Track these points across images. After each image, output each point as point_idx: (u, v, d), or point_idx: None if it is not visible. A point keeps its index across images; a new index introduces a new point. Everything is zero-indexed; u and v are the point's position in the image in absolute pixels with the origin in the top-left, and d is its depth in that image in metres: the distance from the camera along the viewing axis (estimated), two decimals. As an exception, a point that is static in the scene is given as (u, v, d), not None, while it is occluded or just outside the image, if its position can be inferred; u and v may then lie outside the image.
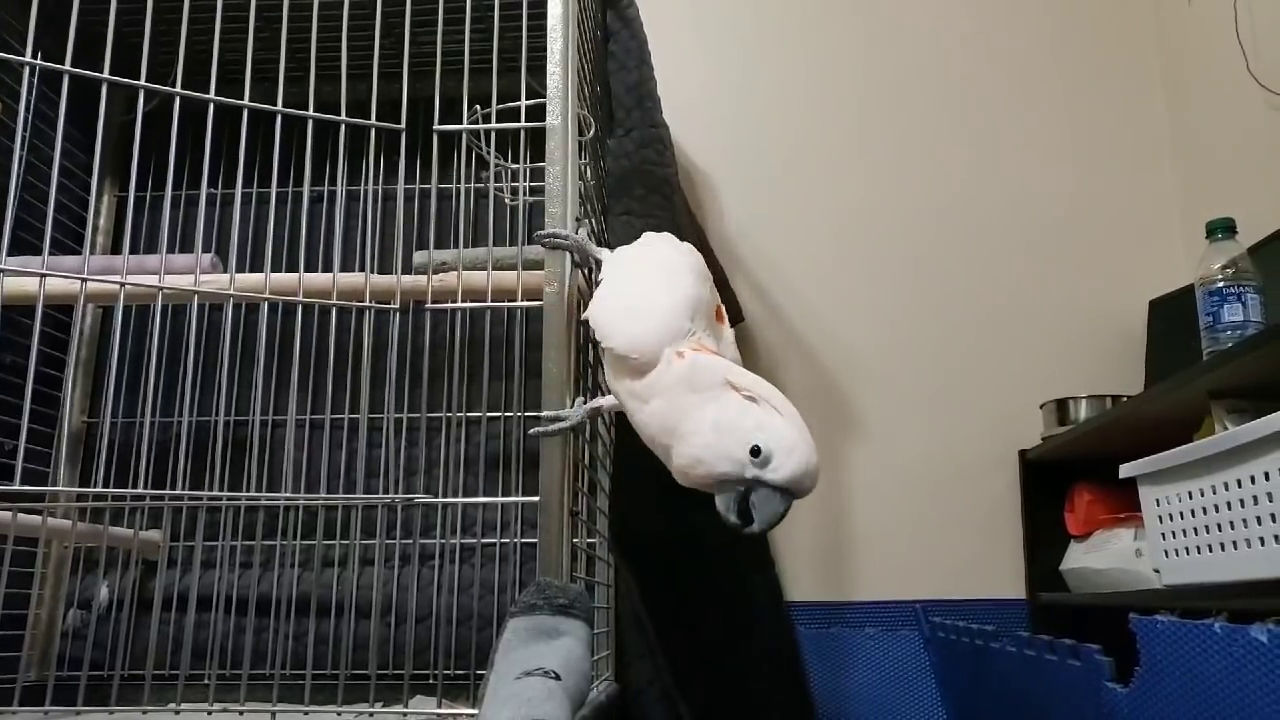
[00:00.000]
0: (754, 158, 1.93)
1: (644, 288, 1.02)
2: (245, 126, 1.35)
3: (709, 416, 0.90)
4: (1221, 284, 1.23)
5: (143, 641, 1.59)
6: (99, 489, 1.49)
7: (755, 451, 0.86)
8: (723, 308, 1.10)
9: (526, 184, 1.63)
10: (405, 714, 1.34)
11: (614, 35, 1.57)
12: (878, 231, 1.87)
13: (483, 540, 1.65)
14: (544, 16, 1.20)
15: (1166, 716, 0.95)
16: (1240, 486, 1.01)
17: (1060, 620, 1.60)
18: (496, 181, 1.67)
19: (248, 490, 1.48)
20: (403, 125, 1.37)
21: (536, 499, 1.05)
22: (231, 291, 1.40)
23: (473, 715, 1.22)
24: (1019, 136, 1.90)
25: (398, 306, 1.43)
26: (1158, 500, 1.19)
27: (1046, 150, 1.89)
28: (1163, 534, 1.18)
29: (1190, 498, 1.11)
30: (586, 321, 1.03)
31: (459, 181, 1.71)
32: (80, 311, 1.71)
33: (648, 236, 1.14)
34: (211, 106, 1.34)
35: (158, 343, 1.37)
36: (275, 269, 1.44)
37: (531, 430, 1.06)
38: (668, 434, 0.92)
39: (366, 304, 1.38)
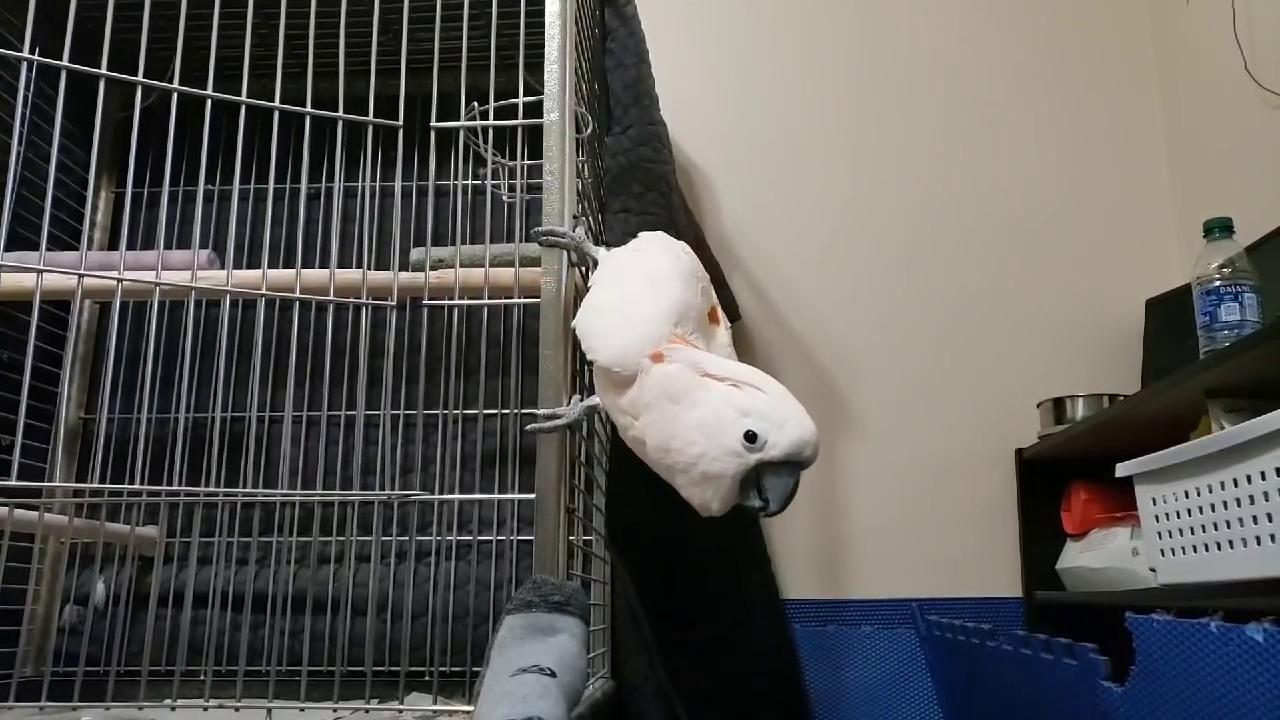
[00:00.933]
0: (752, 156, 1.93)
1: (628, 298, 1.02)
2: (243, 123, 1.35)
3: (694, 422, 0.89)
4: (1219, 283, 1.23)
5: (139, 637, 1.59)
6: (96, 485, 1.49)
7: (750, 437, 0.87)
8: (718, 309, 1.10)
9: (524, 181, 1.63)
10: (401, 711, 1.34)
11: (612, 33, 1.57)
12: (875, 230, 1.87)
13: (479, 537, 1.65)
14: (542, 13, 1.19)
15: (1162, 715, 0.95)
16: (1237, 486, 1.01)
17: (1056, 619, 1.60)
18: (494, 178, 1.67)
19: (244, 486, 1.48)
20: (400, 122, 1.37)
21: (533, 496, 1.05)
22: (229, 288, 1.40)
23: (468, 712, 1.22)
24: (1016, 135, 1.90)
25: (395, 303, 1.43)
26: (1154, 499, 1.19)
27: (1043, 149, 1.89)
28: (1159, 533, 1.18)
29: (1187, 497, 1.11)
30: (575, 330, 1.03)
31: (456, 178, 1.71)
32: (77, 307, 1.71)
33: (642, 237, 1.13)
34: (209, 102, 1.34)
35: (155, 339, 1.37)
36: (273, 265, 1.44)
37: (528, 427, 1.06)
38: (663, 452, 0.92)
39: (364, 300, 1.38)
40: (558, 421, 1.05)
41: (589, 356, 0.99)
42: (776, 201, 1.90)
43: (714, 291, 1.12)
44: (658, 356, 0.93)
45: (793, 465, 0.88)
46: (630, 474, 1.36)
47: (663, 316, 0.98)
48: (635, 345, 0.95)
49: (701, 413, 0.89)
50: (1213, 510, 1.06)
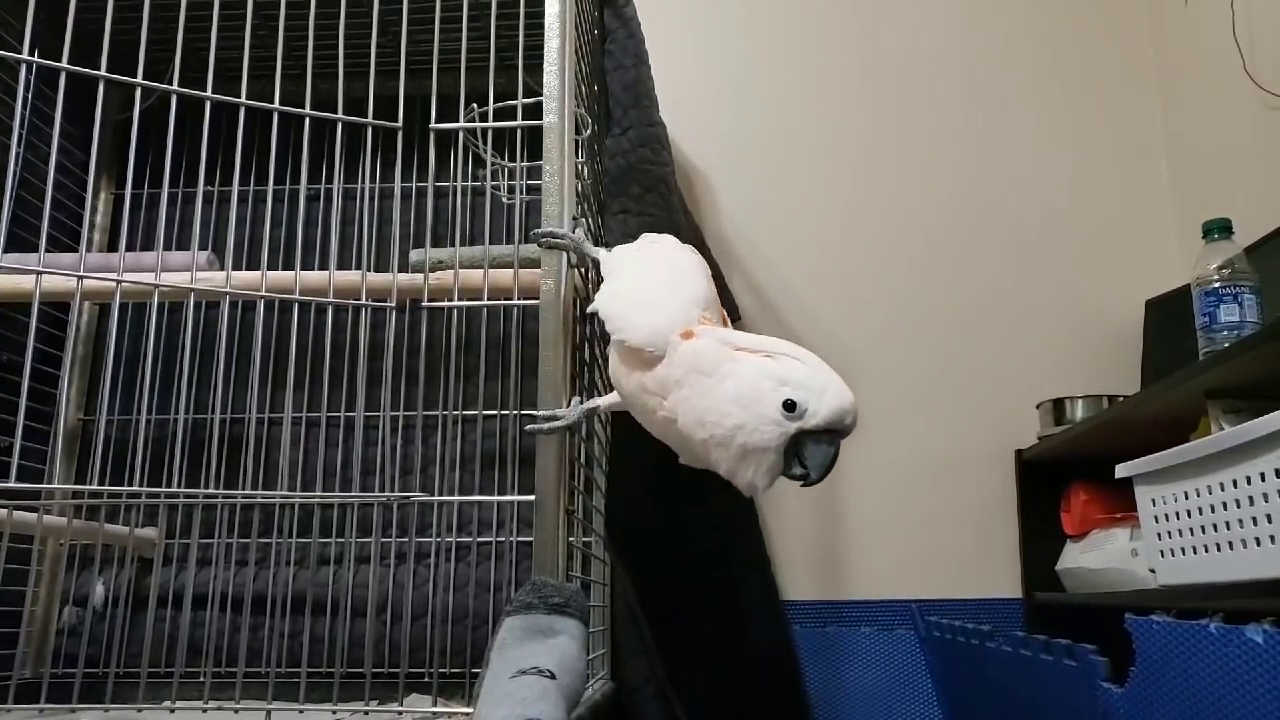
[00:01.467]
0: (751, 157, 1.93)
1: (657, 282, 1.02)
2: (242, 124, 1.35)
3: (729, 394, 0.87)
4: (1218, 284, 1.23)
5: (138, 639, 1.59)
6: (95, 486, 1.49)
7: (789, 406, 0.85)
8: (724, 311, 1.10)
9: (523, 182, 1.63)
10: (401, 712, 1.34)
11: (611, 34, 1.57)
12: (875, 230, 1.87)
13: (478, 539, 1.65)
14: (541, 15, 1.19)
15: (1162, 716, 0.95)
16: (1236, 487, 1.01)
17: (1056, 620, 1.60)
18: (493, 180, 1.67)
19: (243, 488, 1.48)
20: (399, 123, 1.37)
21: (532, 498, 1.05)
22: (228, 289, 1.40)
23: (468, 714, 1.22)
24: (1015, 136, 1.90)
25: (394, 305, 1.43)
26: (1154, 500, 1.19)
27: (1043, 150, 1.89)
28: (1159, 534, 1.18)
29: (1186, 498, 1.11)
30: (592, 315, 1.02)
31: (456, 180, 1.70)
32: (76, 309, 1.71)
33: (651, 237, 1.14)
34: (208, 104, 1.34)
35: (154, 340, 1.37)
36: (272, 267, 1.44)
37: (527, 428, 1.06)
38: (698, 426, 0.90)
39: (363, 302, 1.37)
40: (557, 424, 1.05)
41: (618, 336, 0.97)
42: (776, 202, 1.90)
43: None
44: (688, 334, 0.93)
45: (834, 434, 0.88)
46: (630, 475, 1.36)
47: (691, 301, 0.98)
48: (667, 325, 0.94)
49: (736, 384, 0.87)
50: (1212, 511, 1.06)
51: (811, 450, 0.87)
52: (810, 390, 0.86)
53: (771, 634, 1.60)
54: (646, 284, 1.02)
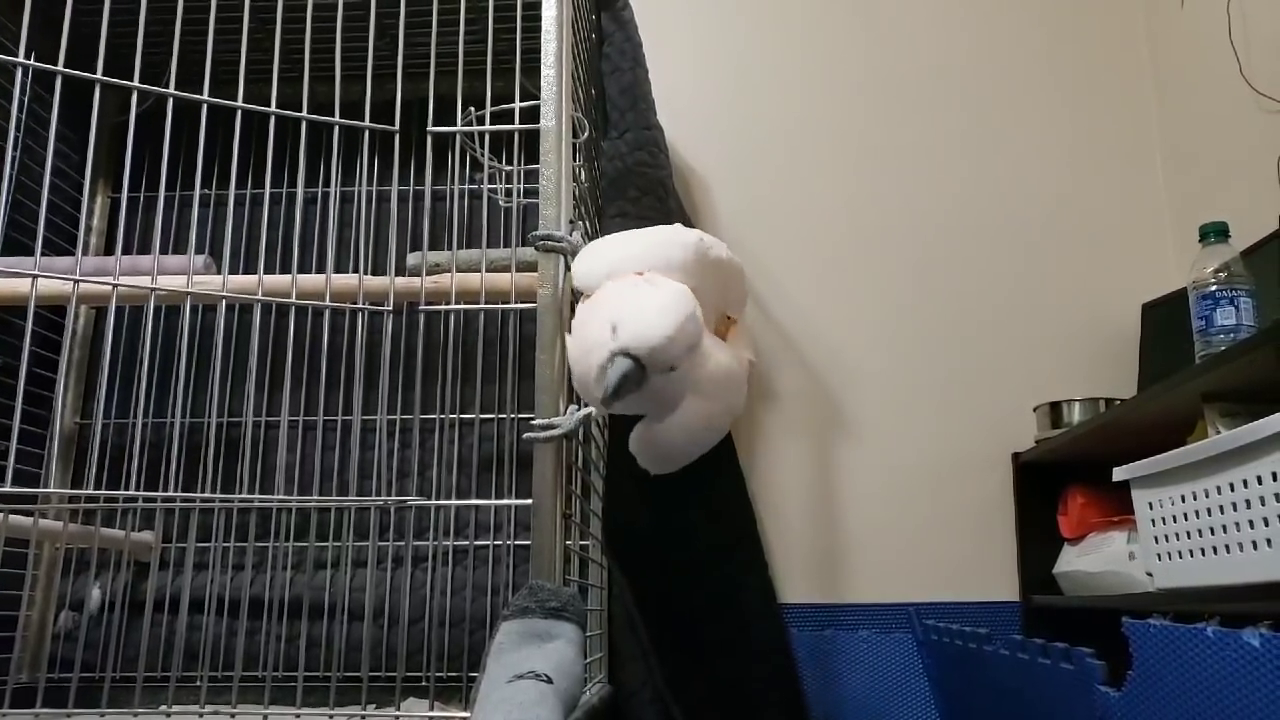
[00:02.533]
0: (748, 160, 1.93)
1: (617, 239, 1.11)
2: (239, 127, 1.35)
3: (599, 319, 0.97)
4: (1214, 287, 1.23)
5: (134, 643, 1.59)
6: (91, 490, 1.49)
7: (612, 328, 0.94)
8: (733, 327, 1.12)
9: (521, 186, 1.63)
10: (397, 716, 1.34)
11: (608, 37, 1.57)
12: (872, 235, 1.88)
13: (475, 542, 1.65)
14: (538, 18, 1.20)
15: (1159, 720, 0.95)
16: (1233, 490, 1.01)
17: (1053, 623, 1.60)
18: (490, 183, 1.67)
19: (240, 492, 1.48)
20: (397, 127, 1.37)
21: (529, 501, 1.05)
22: (224, 293, 1.40)
23: (465, 718, 1.22)
24: (1012, 140, 1.90)
25: (391, 308, 1.43)
26: (1151, 503, 1.19)
27: (1040, 153, 1.89)
28: (1155, 537, 1.18)
29: (1183, 501, 1.11)
30: None
31: (453, 183, 1.70)
32: (73, 312, 1.70)
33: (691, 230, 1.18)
34: (205, 107, 1.33)
35: (150, 344, 1.37)
36: (269, 270, 1.44)
37: (525, 436, 1.06)
38: (573, 346, 1.01)
39: (360, 305, 1.38)
40: (553, 432, 1.05)
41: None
42: (773, 206, 1.90)
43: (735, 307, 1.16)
44: (639, 275, 1.02)
45: (631, 357, 0.93)
46: (627, 478, 1.36)
47: (642, 261, 1.04)
48: (602, 269, 1.04)
49: (602, 312, 0.97)
50: (1209, 514, 1.06)
51: (613, 366, 0.94)
52: (630, 314, 0.94)
53: (769, 638, 1.60)
54: (611, 240, 1.11)
